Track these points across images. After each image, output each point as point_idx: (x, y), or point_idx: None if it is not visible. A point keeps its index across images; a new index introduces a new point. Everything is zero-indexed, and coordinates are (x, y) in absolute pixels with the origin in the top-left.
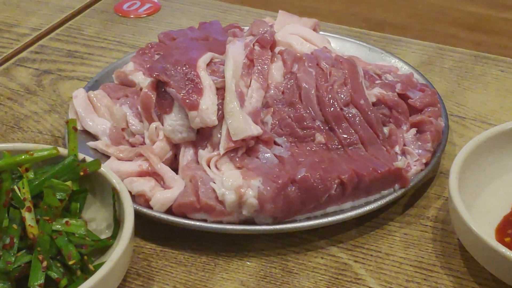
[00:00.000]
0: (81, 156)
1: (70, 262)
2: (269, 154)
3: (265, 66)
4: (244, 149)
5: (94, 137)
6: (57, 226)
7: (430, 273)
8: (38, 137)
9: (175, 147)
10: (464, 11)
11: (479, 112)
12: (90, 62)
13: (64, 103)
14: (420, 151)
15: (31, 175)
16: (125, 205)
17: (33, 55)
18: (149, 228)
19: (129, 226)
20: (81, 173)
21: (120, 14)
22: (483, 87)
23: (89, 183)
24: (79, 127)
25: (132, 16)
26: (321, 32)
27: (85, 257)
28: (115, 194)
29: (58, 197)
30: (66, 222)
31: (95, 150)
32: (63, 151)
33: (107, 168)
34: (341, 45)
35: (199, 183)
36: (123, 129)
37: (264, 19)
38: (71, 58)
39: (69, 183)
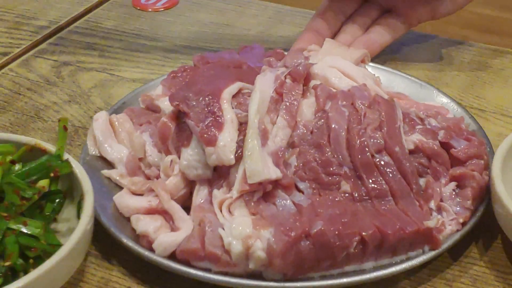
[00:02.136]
0: (67, 156)
1: (6, 263)
2: (287, 201)
3: (295, 102)
4: (261, 193)
5: (112, 164)
6: (15, 225)
7: None
8: (58, 126)
9: (191, 184)
10: (476, 13)
11: (499, 105)
12: (109, 54)
13: (84, 93)
14: (458, 208)
15: (16, 168)
16: (84, 209)
17: (52, 47)
18: (149, 270)
19: (79, 231)
20: (51, 174)
21: (138, 8)
22: (502, 81)
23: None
24: (96, 152)
25: (150, 10)
26: (370, 64)
27: (31, 260)
28: (82, 196)
29: (26, 195)
30: (24, 222)
31: (109, 179)
32: (52, 149)
33: (80, 169)
34: (391, 79)
35: (207, 228)
36: (140, 159)
37: (310, 47)
38: (90, 50)
39: (44, 182)
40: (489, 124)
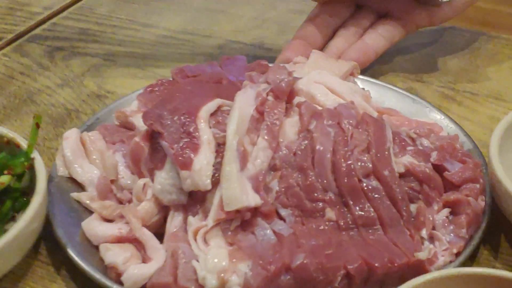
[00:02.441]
0: (35, 155)
1: None
2: (267, 231)
3: (277, 121)
4: (239, 222)
5: (82, 186)
6: None
7: None
8: (51, 110)
9: (164, 210)
10: (472, 6)
11: (492, 89)
12: (103, 40)
13: (77, 77)
14: (451, 237)
15: None
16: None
17: (46, 33)
18: None
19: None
20: (5, 172)
21: None
22: (496, 66)
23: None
24: (65, 173)
25: None
26: (360, 76)
27: None
28: None
29: None
30: None
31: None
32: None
33: (41, 168)
34: (381, 92)
35: (180, 260)
36: (112, 181)
37: (296, 58)
38: (83, 36)
39: (4, 178)
40: (482, 108)
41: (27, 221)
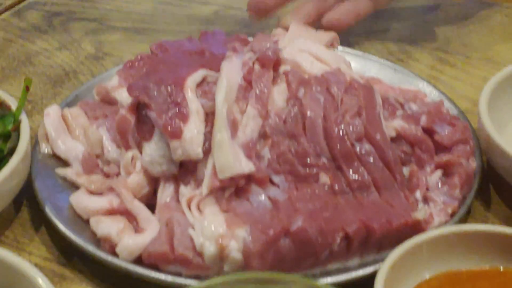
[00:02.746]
0: (22, 117)
1: None
2: (262, 197)
3: (265, 89)
4: (233, 189)
5: (66, 162)
6: None
7: None
8: (49, 71)
9: (155, 181)
10: None
11: (484, 52)
12: (101, 6)
13: (75, 41)
14: (445, 198)
15: None
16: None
17: None
18: (112, 276)
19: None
20: None
21: None
22: (488, 30)
23: None
24: (48, 150)
25: None
26: (340, 47)
27: None
28: None
29: None
30: None
31: (65, 178)
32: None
33: (26, 131)
34: (362, 63)
35: (176, 229)
36: (97, 156)
37: (276, 30)
38: (82, 2)
39: None
40: (474, 69)
41: (2, 178)
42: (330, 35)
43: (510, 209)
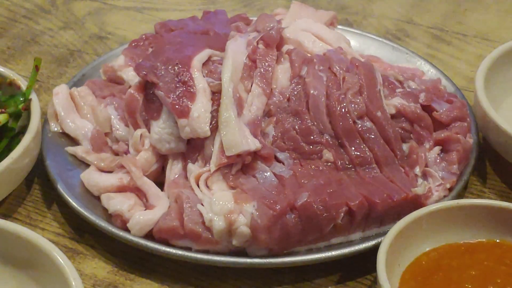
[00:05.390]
0: (32, 96)
1: None
2: (268, 173)
3: (269, 68)
4: (240, 166)
5: (76, 141)
6: None
7: None
8: (54, 50)
9: (163, 159)
10: None
11: (480, 30)
12: None
13: (78, 20)
14: (444, 173)
15: None
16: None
17: None
18: (124, 252)
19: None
20: (0, 111)
21: None
22: (483, 8)
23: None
24: (58, 129)
25: None
26: (339, 27)
27: None
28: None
29: None
30: None
31: (75, 156)
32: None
33: (36, 110)
34: (361, 41)
35: (185, 205)
36: (106, 134)
37: (276, 10)
38: None
39: (1, 117)
40: (470, 47)
41: (15, 157)
42: (330, 14)
43: (505, 184)
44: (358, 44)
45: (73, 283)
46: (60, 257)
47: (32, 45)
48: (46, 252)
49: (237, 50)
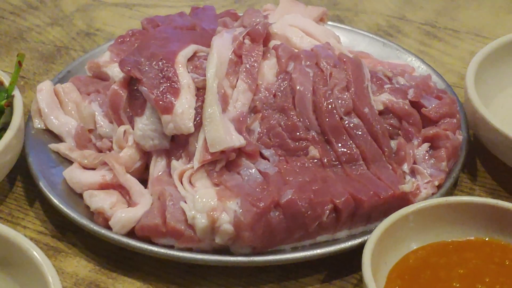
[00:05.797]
0: (15, 93)
1: None
2: (252, 170)
3: (255, 64)
4: (224, 163)
5: (59, 138)
6: None
7: None
8: (41, 47)
9: (147, 156)
10: None
11: (473, 26)
12: None
13: (66, 17)
14: (432, 170)
15: None
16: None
17: None
18: (106, 250)
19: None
20: None
21: None
22: (476, 4)
23: None
24: (42, 126)
25: None
26: (329, 23)
27: None
28: None
29: None
30: None
31: (58, 153)
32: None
33: (19, 107)
34: (351, 38)
35: (168, 202)
36: (90, 131)
37: (266, 6)
38: None
39: None
40: (462, 43)
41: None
42: (320, 10)
43: (496, 182)
44: (349, 40)
45: (51, 281)
46: (38, 255)
47: (19, 41)
48: (24, 250)
49: (222, 45)
